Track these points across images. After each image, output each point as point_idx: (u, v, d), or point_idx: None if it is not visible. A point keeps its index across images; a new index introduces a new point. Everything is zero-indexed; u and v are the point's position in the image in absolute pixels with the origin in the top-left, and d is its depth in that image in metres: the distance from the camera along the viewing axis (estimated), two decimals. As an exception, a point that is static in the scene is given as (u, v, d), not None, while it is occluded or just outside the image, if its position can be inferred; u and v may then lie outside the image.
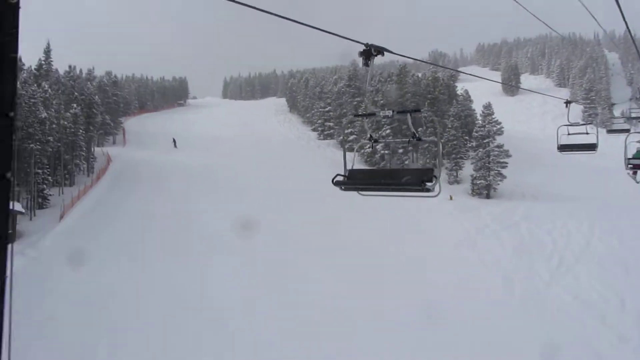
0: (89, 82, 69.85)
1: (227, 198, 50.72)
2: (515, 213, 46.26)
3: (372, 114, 5.37)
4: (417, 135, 5.35)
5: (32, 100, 41.56)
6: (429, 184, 5.01)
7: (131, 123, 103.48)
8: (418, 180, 4.99)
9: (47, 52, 65.69)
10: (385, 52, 5.12)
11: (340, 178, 5.45)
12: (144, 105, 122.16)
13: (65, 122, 49.47)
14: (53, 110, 48.50)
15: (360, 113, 5.71)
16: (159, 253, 35.63)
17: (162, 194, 50.71)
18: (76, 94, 56.70)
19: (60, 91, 56.59)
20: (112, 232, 40.29)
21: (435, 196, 5.44)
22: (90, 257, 34.16)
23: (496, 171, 51.99)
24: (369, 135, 5.84)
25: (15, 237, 38.18)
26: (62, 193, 49.86)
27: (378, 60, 5.05)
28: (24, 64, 63.95)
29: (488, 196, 51.83)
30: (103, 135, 78.62)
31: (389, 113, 5.25)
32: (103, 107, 78.98)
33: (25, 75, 53.28)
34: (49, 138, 42.67)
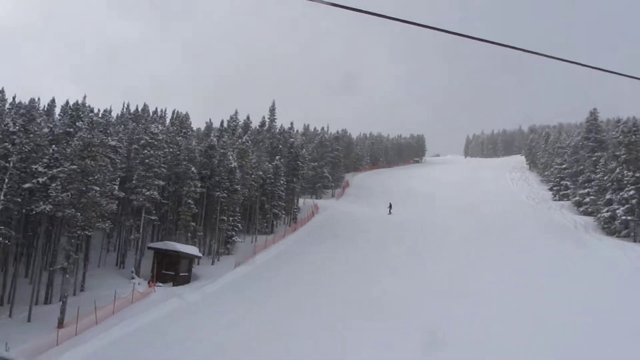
0: (302, 137, 73.12)
1: (412, 256, 45.68)
2: None
3: None
4: None
5: (222, 151, 43.92)
6: None
7: (359, 178, 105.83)
8: None
9: (272, 110, 71.34)
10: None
11: None
12: (376, 161, 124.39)
13: (261, 173, 51.34)
14: (253, 160, 50.93)
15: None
16: (313, 306, 32.44)
17: (351, 247, 48.31)
18: (280, 146, 59.22)
19: (266, 145, 59.90)
20: (276, 280, 39.11)
21: None
22: (237, 307, 33.16)
23: None
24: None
25: (190, 279, 39.84)
26: (256, 241, 51.56)
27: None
28: (251, 121, 70.45)
29: None
30: (321, 188, 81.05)
31: None
32: (323, 162, 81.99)
33: (240, 131, 57.67)
34: (237, 187, 44.16)
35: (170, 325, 29.84)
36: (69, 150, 29.48)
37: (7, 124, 28.09)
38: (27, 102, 48.50)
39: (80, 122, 31.50)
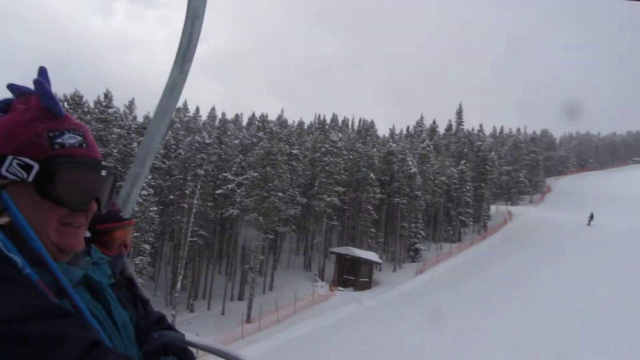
0: (492, 139, 68.74)
1: (623, 273, 39.15)
2: None
3: None
4: None
5: (401, 156, 43.45)
6: None
7: (563, 182, 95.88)
8: None
9: (459, 113, 68.79)
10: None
11: None
12: (585, 163, 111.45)
13: (444, 178, 49.50)
14: (436, 165, 49.56)
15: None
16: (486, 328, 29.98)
17: (546, 260, 43.62)
18: (466, 150, 56.38)
19: (452, 149, 57.66)
20: (458, 290, 36.93)
21: None
22: (415, 316, 32.12)
23: None
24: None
25: (370, 285, 40.03)
26: (441, 249, 49.65)
27: None
28: (437, 126, 68.93)
29: None
30: (516, 194, 75.24)
31: None
32: (519, 165, 76.11)
33: (423, 135, 56.77)
34: (417, 193, 43.26)
35: (348, 328, 30.11)
36: (251, 159, 32.02)
37: (203, 136, 31.52)
38: (233, 118, 54.72)
39: (261, 133, 34.07)
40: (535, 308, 31.65)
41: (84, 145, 1.14)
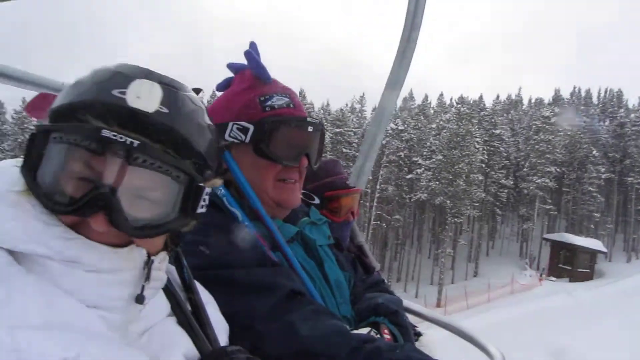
0: None
1: None
2: None
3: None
4: None
5: (635, 128, 37.14)
6: None
7: None
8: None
9: None
10: None
11: None
12: None
13: None
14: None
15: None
16: None
17: None
18: None
19: None
20: None
21: None
22: (625, 317, 27.82)
23: None
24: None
25: (592, 276, 35.57)
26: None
27: None
28: None
29: None
30: None
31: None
32: None
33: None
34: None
35: (543, 322, 27.78)
36: (437, 142, 31.81)
37: (397, 122, 32.77)
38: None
39: (448, 115, 33.16)
40: None
41: (291, 105, 1.23)
